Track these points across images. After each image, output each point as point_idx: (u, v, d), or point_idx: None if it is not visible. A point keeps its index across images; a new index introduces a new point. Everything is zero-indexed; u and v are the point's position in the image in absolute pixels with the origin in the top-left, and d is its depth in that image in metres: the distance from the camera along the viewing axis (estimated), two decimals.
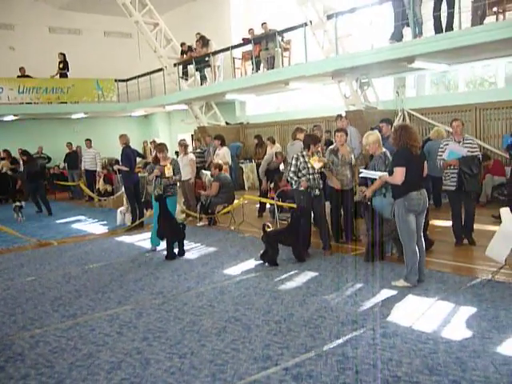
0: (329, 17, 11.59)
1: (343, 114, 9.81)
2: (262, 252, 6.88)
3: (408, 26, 10.04)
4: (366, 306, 4.96)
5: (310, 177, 6.98)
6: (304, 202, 7.00)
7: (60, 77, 18.72)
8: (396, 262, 6.40)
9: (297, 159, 7.02)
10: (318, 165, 6.95)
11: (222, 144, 11.36)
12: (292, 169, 7.04)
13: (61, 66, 18.70)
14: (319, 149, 7.36)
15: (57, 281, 6.63)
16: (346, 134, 7.70)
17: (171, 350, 4.19)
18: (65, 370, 3.95)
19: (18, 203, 11.96)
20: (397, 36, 10.22)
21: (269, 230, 6.93)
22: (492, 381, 3.39)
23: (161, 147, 8.30)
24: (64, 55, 18.68)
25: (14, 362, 4.19)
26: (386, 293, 5.33)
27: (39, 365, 4.09)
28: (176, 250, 7.60)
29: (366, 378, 3.52)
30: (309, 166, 6.96)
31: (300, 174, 6.98)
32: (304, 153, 7.07)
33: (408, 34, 10.22)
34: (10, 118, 17.77)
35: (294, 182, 7.05)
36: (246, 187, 15.36)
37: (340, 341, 4.17)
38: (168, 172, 8.07)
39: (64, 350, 4.35)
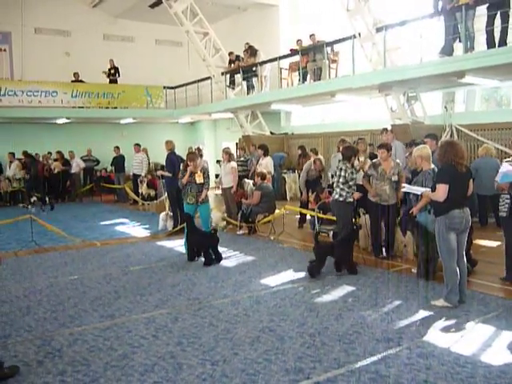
0: (378, 29, 11.51)
1: (389, 128, 9.66)
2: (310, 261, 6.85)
3: (459, 40, 9.86)
4: (402, 324, 4.86)
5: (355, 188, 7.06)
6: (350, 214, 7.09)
7: (110, 82, 19.27)
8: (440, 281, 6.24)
9: (345, 170, 7.07)
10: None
11: (266, 154, 11.41)
12: (341, 180, 7.09)
13: (112, 71, 19.26)
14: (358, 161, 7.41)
15: (98, 281, 6.80)
16: (388, 150, 7.53)
17: (204, 357, 4.22)
18: (100, 370, 4.04)
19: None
20: (447, 50, 10.05)
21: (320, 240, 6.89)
22: None
23: (192, 156, 8.50)
24: (113, 61, 19.23)
25: (52, 357, 4.31)
26: (424, 312, 5.21)
27: (76, 362, 4.20)
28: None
29: None
30: (354, 177, 7.01)
31: (346, 186, 7.05)
32: (347, 164, 7.09)
33: (459, 48, 10.04)
34: (63, 120, 18.39)
35: (343, 193, 7.07)
36: (288, 197, 15.33)
37: (374, 358, 4.10)
38: (199, 179, 8.25)
39: (100, 350, 4.45)
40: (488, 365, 3.93)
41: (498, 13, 9.07)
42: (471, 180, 5.48)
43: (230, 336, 4.67)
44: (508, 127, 11.25)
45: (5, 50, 19.13)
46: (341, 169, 7.25)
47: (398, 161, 7.78)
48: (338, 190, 7.28)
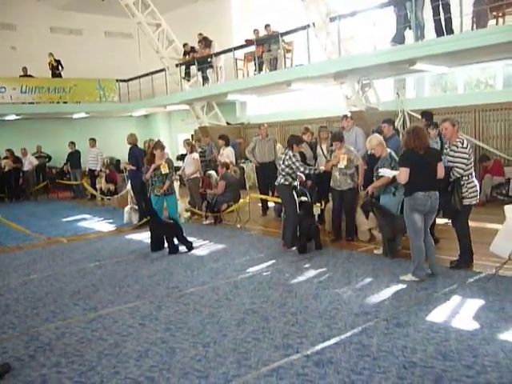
0: (332, 19, 11.81)
1: (348, 115, 9.99)
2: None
3: (410, 28, 10.28)
4: (377, 299, 5.18)
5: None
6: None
7: (53, 76, 18.81)
8: (406, 258, 6.61)
9: (289, 158, 7.43)
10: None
11: (227, 144, 11.55)
12: (283, 166, 7.50)
13: (54, 64, 18.78)
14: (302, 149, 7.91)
15: (72, 276, 6.81)
16: (341, 141, 7.77)
17: (194, 340, 4.39)
18: (94, 359, 4.14)
19: None
20: (399, 39, 10.45)
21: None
22: (503, 365, 3.62)
23: (158, 144, 8.56)
24: (52, 55, 18.74)
25: (43, 351, 4.37)
26: (394, 286, 5.55)
27: (68, 354, 4.28)
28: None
29: (384, 364, 3.73)
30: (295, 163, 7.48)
31: (290, 171, 7.50)
32: (290, 153, 7.50)
33: (409, 36, 10.47)
34: (13, 117, 17.87)
35: (288, 178, 7.49)
36: (247, 186, 15.55)
37: (355, 330, 4.38)
38: (164, 170, 8.35)
39: (90, 341, 4.53)
40: (458, 329, 4.29)
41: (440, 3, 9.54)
42: (440, 164, 5.71)
43: (216, 319, 4.85)
44: (456, 111, 11.84)
45: None
46: (284, 155, 7.53)
47: (349, 147, 8.02)
48: (283, 174, 7.55)
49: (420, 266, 5.67)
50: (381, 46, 11.09)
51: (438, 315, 4.64)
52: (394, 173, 6.09)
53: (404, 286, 5.55)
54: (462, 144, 5.87)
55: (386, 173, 6.32)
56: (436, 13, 9.62)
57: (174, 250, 7.81)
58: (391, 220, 6.64)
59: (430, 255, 5.77)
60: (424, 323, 4.46)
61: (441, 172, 5.72)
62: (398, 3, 10.30)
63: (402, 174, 5.58)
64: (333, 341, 4.19)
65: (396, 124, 12.32)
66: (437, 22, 9.67)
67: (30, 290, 6.25)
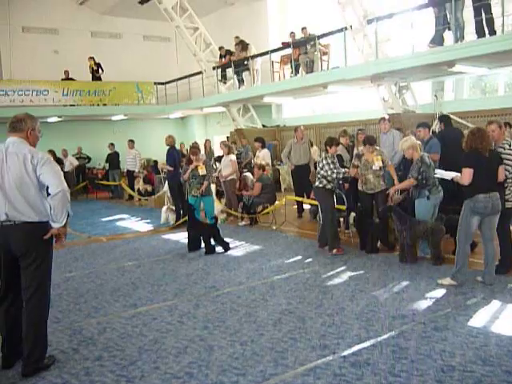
0: (369, 21, 11.77)
1: (386, 117, 9.93)
2: None
3: (449, 30, 10.15)
4: (414, 302, 5.14)
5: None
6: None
7: (93, 79, 19.28)
8: (430, 263, 6.53)
9: (328, 162, 7.47)
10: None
11: (263, 146, 11.64)
12: (327, 168, 7.48)
13: (95, 68, 19.27)
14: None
15: (112, 274, 6.99)
16: (371, 144, 7.72)
17: (232, 338, 4.46)
18: (135, 354, 4.26)
19: None
20: (437, 40, 10.33)
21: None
22: None
23: (194, 150, 8.82)
24: (93, 58, 19.21)
25: (86, 345, 4.52)
26: (432, 290, 5.50)
27: (110, 348, 4.41)
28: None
29: (422, 367, 3.72)
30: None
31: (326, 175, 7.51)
32: (323, 155, 7.61)
33: (448, 38, 10.34)
34: (55, 119, 18.39)
35: (323, 181, 7.49)
36: (282, 189, 15.58)
37: (392, 333, 4.37)
38: (201, 171, 8.52)
39: (131, 336, 4.66)
40: (498, 334, 4.23)
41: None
42: (501, 167, 5.58)
43: (253, 319, 4.91)
44: (496, 114, 11.60)
45: None
46: (322, 159, 7.55)
47: (380, 150, 8.00)
48: (318, 176, 7.59)
49: (461, 270, 5.58)
50: (419, 47, 10.98)
51: (477, 320, 4.58)
52: (453, 174, 5.95)
53: (442, 290, 5.49)
54: (510, 146, 5.77)
55: (444, 174, 6.16)
56: (477, 13, 9.48)
57: (210, 250, 7.92)
58: (409, 225, 6.62)
59: (489, 263, 5.62)
60: (463, 327, 4.41)
61: (502, 175, 5.59)
62: (438, 4, 10.20)
63: (466, 175, 5.42)
64: (370, 342, 4.20)
65: (434, 127, 12.19)
66: (478, 23, 9.52)
67: (72, 287, 6.45)
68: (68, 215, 3.97)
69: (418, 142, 7.05)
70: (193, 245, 8.16)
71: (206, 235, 8.01)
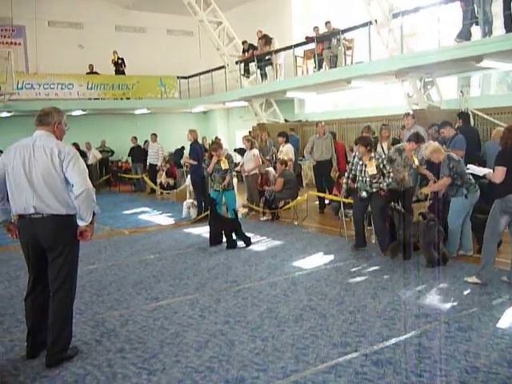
0: (394, 15, 11.61)
1: (411, 113, 9.80)
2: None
3: (477, 24, 9.95)
4: (437, 301, 5.08)
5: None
6: None
7: (116, 73, 19.44)
8: (467, 261, 6.44)
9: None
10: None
11: (286, 141, 11.60)
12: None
13: (119, 61, 19.42)
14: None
15: (135, 266, 7.05)
16: (416, 142, 7.53)
17: (253, 333, 4.46)
18: (156, 347, 4.29)
19: None
20: (464, 35, 10.13)
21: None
22: None
23: (215, 146, 8.92)
24: (117, 53, 19.36)
25: (108, 336, 4.57)
26: (456, 289, 5.42)
27: (132, 340, 4.45)
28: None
29: (446, 367, 3.67)
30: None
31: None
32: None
33: (476, 32, 10.14)
34: (79, 112, 18.60)
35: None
36: (304, 184, 15.52)
37: (415, 332, 4.32)
38: (224, 165, 8.55)
39: (152, 329, 4.69)
40: None
41: None
42: None
43: (274, 314, 4.90)
44: None
45: (19, 44, 19.35)
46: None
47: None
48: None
49: (487, 268, 5.49)
50: (445, 42, 10.79)
51: (502, 321, 4.50)
52: (485, 170, 5.81)
53: (466, 289, 5.40)
54: None
55: (475, 170, 6.04)
56: (506, 7, 9.27)
57: (232, 244, 7.92)
58: (410, 224, 6.60)
59: None
60: (487, 328, 4.34)
61: None
62: None
63: (499, 173, 5.28)
64: (392, 341, 4.16)
65: (459, 123, 11.99)
66: (506, 17, 9.31)
67: (95, 279, 6.52)
68: (94, 214, 3.99)
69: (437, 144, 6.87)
70: (214, 239, 8.18)
71: (228, 229, 8.03)
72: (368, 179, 7.05)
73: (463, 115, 8.83)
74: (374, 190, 7.04)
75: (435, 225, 6.37)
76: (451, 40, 10.36)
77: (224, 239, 8.08)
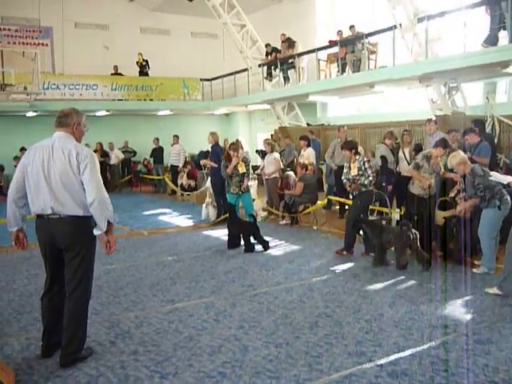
0: (420, 20, 11.47)
1: (433, 119, 9.67)
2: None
3: (504, 29, 9.76)
4: (456, 312, 4.98)
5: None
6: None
7: (140, 75, 19.57)
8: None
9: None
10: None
11: (308, 145, 11.53)
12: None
13: (143, 63, 19.57)
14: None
15: (152, 268, 7.07)
16: (444, 147, 7.41)
17: (267, 339, 4.42)
18: (170, 350, 4.28)
19: None
20: (491, 40, 9.94)
21: None
22: None
23: (235, 146, 8.80)
24: (141, 55, 19.52)
25: (122, 338, 4.57)
26: (476, 300, 5.31)
27: (146, 343, 4.44)
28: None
29: (463, 381, 3.58)
30: None
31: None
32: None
33: (503, 38, 9.95)
34: (103, 113, 18.80)
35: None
36: (325, 188, 15.38)
37: (433, 343, 4.24)
38: (241, 169, 8.57)
39: (167, 332, 4.69)
40: None
41: None
42: None
43: (289, 321, 4.86)
44: None
45: (46, 45, 19.66)
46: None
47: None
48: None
49: (508, 279, 5.35)
50: (471, 47, 10.60)
51: None
52: (510, 179, 5.68)
53: (487, 300, 5.28)
54: None
55: (500, 178, 5.89)
56: None
57: (249, 248, 7.90)
58: (380, 232, 6.76)
59: None
60: (508, 342, 4.23)
61: None
62: (492, 3, 9.81)
63: None
64: (408, 352, 4.07)
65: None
66: None
67: (112, 279, 6.56)
68: (109, 223, 3.99)
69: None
70: (232, 242, 8.17)
71: (246, 233, 8.01)
72: (352, 181, 7.43)
73: (478, 123, 8.68)
74: (357, 192, 7.43)
75: (408, 229, 6.54)
76: (477, 45, 10.18)
77: (242, 242, 8.06)
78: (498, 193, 6.13)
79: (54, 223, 3.94)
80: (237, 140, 14.27)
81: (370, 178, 7.32)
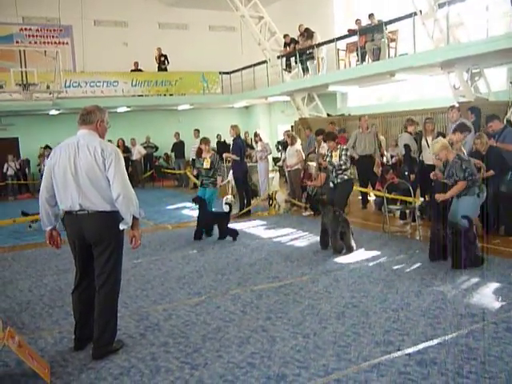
0: (440, 5, 11.30)
1: (456, 105, 9.54)
2: None
3: None
4: (484, 301, 4.93)
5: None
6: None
7: (159, 70, 19.70)
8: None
9: None
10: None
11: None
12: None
13: (162, 59, 19.66)
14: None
15: (177, 261, 7.16)
16: (462, 132, 7.38)
17: (294, 330, 4.46)
18: (199, 341, 4.34)
19: None
20: None
21: None
22: None
23: (206, 140, 9.11)
24: (160, 49, 19.63)
25: (152, 330, 4.66)
26: (504, 288, 5.26)
27: (175, 335, 4.52)
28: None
29: (493, 369, 3.56)
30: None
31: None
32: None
33: None
34: (124, 109, 18.98)
35: None
36: None
37: (461, 332, 4.22)
38: (206, 164, 8.78)
39: (195, 324, 4.76)
40: None
41: None
42: None
43: (316, 311, 4.89)
44: None
45: (67, 43, 19.92)
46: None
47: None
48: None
49: None
50: (493, 32, 10.42)
51: None
52: None
53: None
54: None
55: None
56: None
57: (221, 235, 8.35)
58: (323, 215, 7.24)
59: None
60: None
61: None
62: None
63: None
64: (436, 341, 4.07)
65: (508, 115, 11.58)
66: None
67: (139, 273, 6.66)
68: (134, 217, 4.06)
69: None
70: (198, 234, 8.54)
71: (218, 222, 8.45)
72: (334, 170, 7.85)
73: (474, 109, 8.65)
74: (339, 180, 7.83)
75: (340, 215, 7.06)
76: (500, 29, 10.01)
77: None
78: (477, 180, 6.24)
79: (83, 219, 4.02)
80: (255, 133, 14.25)
81: (348, 165, 7.84)
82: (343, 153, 7.82)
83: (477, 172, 6.32)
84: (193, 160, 8.98)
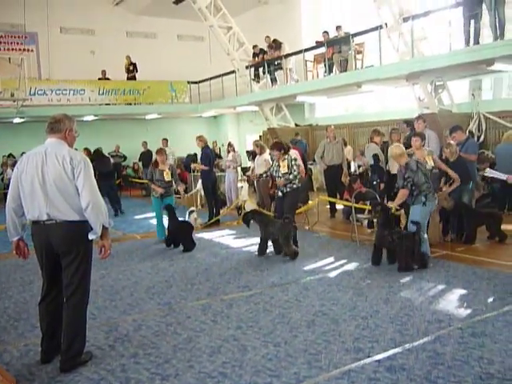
0: (405, 19, 11.60)
1: (422, 116, 9.77)
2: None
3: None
4: (450, 307, 5.05)
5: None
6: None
7: (128, 79, 19.56)
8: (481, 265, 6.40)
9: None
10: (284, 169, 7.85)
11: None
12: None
13: (130, 67, 19.53)
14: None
15: (147, 271, 7.09)
16: (422, 139, 7.64)
17: (265, 339, 4.46)
18: (169, 352, 4.30)
19: None
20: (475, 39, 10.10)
21: None
22: None
23: (160, 151, 9.15)
24: (130, 58, 19.51)
25: (122, 342, 4.59)
26: (469, 294, 5.39)
27: (145, 346, 4.47)
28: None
29: (460, 374, 3.65)
30: None
31: None
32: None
33: (486, 36, 10.11)
34: (91, 118, 18.73)
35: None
36: (315, 188, 15.49)
37: (428, 338, 4.30)
38: (167, 177, 8.89)
39: (165, 334, 4.71)
40: None
41: None
42: None
43: (286, 320, 4.91)
44: None
45: (32, 51, 19.52)
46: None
47: (429, 148, 7.92)
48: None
49: None
50: (456, 46, 10.75)
51: None
52: (504, 175, 5.81)
53: (479, 294, 5.37)
54: None
55: (496, 174, 6.05)
56: None
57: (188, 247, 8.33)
58: (265, 225, 7.51)
59: None
60: (501, 334, 4.31)
61: None
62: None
63: None
64: (405, 347, 4.14)
65: (471, 127, 11.95)
66: None
67: (108, 283, 6.56)
68: (104, 227, 4.02)
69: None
70: (170, 240, 8.62)
71: (184, 232, 8.50)
72: (282, 179, 7.80)
73: (409, 122, 9.07)
74: (288, 189, 7.82)
75: (290, 222, 7.31)
76: (462, 43, 10.32)
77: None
78: (425, 190, 6.44)
79: (51, 229, 3.94)
80: (229, 143, 14.24)
81: (295, 173, 7.79)
82: (292, 163, 7.80)
83: (425, 182, 6.46)
84: (151, 173, 8.83)
